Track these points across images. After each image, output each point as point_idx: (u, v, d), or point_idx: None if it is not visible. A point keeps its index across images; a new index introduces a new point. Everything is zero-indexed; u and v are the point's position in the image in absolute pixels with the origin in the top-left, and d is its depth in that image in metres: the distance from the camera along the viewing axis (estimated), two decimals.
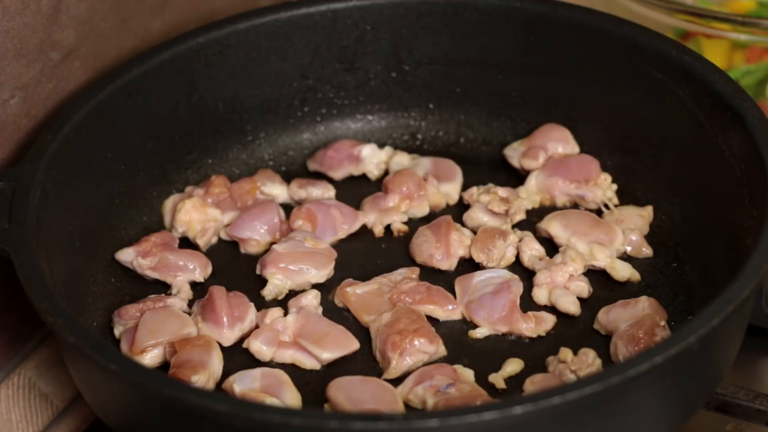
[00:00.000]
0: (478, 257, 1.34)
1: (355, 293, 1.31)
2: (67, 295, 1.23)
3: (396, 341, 1.23)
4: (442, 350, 1.25)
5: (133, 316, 1.28)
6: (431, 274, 1.34)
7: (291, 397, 1.20)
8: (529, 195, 1.40)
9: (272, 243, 1.36)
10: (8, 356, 1.35)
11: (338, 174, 1.45)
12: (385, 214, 1.40)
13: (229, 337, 1.27)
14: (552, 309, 1.30)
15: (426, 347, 1.24)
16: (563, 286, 1.30)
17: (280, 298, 1.32)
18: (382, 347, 1.24)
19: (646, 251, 1.35)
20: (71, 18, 1.36)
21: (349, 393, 1.19)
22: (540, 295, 1.30)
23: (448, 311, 1.29)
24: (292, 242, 1.34)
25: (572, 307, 1.29)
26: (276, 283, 1.32)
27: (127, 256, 1.34)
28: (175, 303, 1.30)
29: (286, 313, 1.29)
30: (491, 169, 1.46)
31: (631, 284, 1.32)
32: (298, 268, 1.32)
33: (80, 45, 1.38)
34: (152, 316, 1.27)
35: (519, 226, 1.38)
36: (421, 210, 1.41)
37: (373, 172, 1.46)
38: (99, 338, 1.19)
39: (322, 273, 1.33)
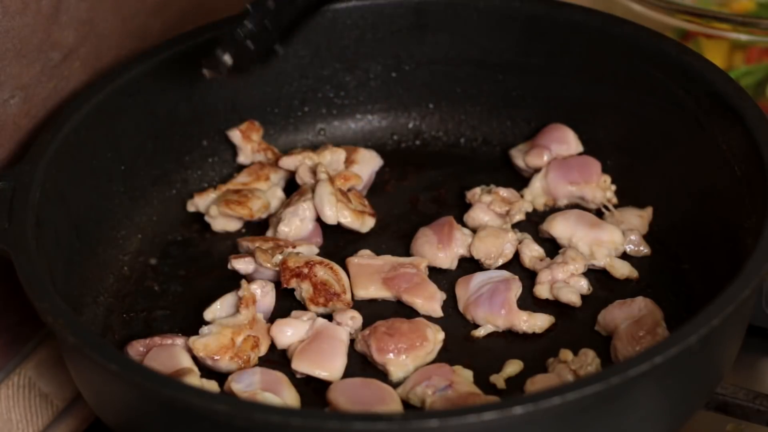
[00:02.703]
0: (478, 255, 1.34)
1: (353, 262, 1.32)
2: (67, 295, 1.23)
3: (382, 347, 1.24)
4: (431, 348, 1.25)
5: (138, 352, 1.26)
6: (432, 274, 1.34)
7: (290, 397, 1.20)
8: (534, 198, 1.41)
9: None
10: (8, 356, 1.35)
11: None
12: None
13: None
14: (553, 305, 1.30)
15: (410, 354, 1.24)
16: (564, 281, 1.30)
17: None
18: (372, 356, 1.25)
19: (645, 251, 1.35)
20: (71, 18, 1.36)
21: (350, 396, 1.19)
22: (541, 290, 1.30)
23: (428, 306, 1.29)
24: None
25: (573, 296, 1.29)
26: None
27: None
28: (181, 342, 1.27)
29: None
30: (491, 169, 1.46)
31: (631, 284, 1.32)
32: None
33: (80, 45, 1.38)
34: (158, 354, 1.25)
35: (521, 226, 1.38)
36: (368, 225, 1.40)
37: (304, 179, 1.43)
38: (99, 338, 1.19)
39: None
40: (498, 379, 1.23)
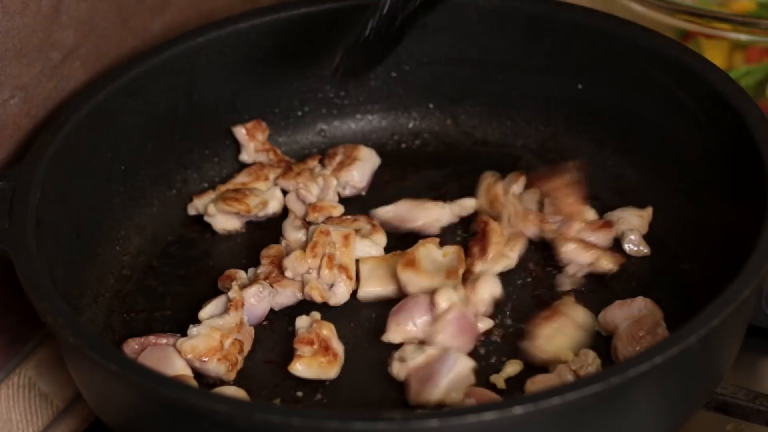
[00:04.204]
0: None
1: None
2: (67, 295, 1.23)
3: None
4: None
5: (133, 350, 1.26)
6: None
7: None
8: None
9: None
10: (8, 356, 1.35)
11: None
12: None
13: None
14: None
15: None
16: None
17: None
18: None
19: (645, 251, 1.35)
20: (71, 18, 1.36)
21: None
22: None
23: None
24: None
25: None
26: None
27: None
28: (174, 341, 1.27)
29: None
30: (491, 169, 1.46)
31: (631, 284, 1.32)
32: None
33: (80, 45, 1.38)
34: (152, 353, 1.25)
35: None
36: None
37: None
38: (99, 338, 1.19)
39: None
40: (498, 379, 1.23)
